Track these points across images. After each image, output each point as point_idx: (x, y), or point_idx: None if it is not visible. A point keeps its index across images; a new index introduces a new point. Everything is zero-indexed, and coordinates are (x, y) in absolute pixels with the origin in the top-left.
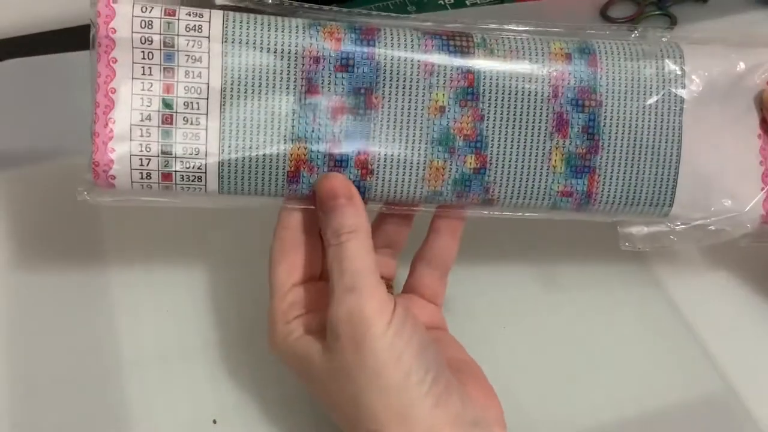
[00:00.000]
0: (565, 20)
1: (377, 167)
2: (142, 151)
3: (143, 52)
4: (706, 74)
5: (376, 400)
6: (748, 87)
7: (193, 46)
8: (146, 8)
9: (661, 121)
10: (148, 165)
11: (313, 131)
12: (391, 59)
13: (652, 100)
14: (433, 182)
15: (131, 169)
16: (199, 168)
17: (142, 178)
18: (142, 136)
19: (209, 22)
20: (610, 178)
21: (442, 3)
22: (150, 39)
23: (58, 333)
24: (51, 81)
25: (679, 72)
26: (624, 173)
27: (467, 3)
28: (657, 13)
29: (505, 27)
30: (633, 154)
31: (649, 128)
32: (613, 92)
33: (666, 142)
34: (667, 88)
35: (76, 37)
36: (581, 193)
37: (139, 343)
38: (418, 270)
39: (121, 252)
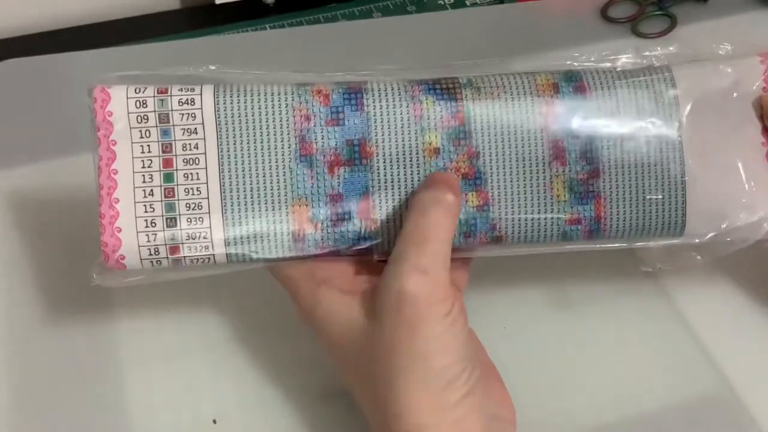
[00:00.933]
0: (565, 20)
1: (380, 216)
2: (147, 227)
3: (140, 131)
4: (699, 91)
5: (413, 383)
6: (744, 96)
7: (187, 120)
8: (140, 89)
9: (659, 143)
10: (155, 240)
11: (312, 187)
12: (380, 108)
13: (646, 122)
14: None
15: (139, 246)
16: (204, 237)
17: (150, 255)
18: (146, 212)
19: (201, 95)
20: (617, 202)
21: (442, 3)
22: (146, 117)
23: (58, 333)
24: (51, 81)
25: (671, 91)
26: (630, 196)
27: (467, 3)
28: (657, 13)
29: (495, 71)
30: (636, 176)
31: (648, 150)
32: (605, 116)
33: (668, 163)
34: (661, 109)
35: (77, 37)
36: (589, 219)
37: (140, 342)
38: None
39: None
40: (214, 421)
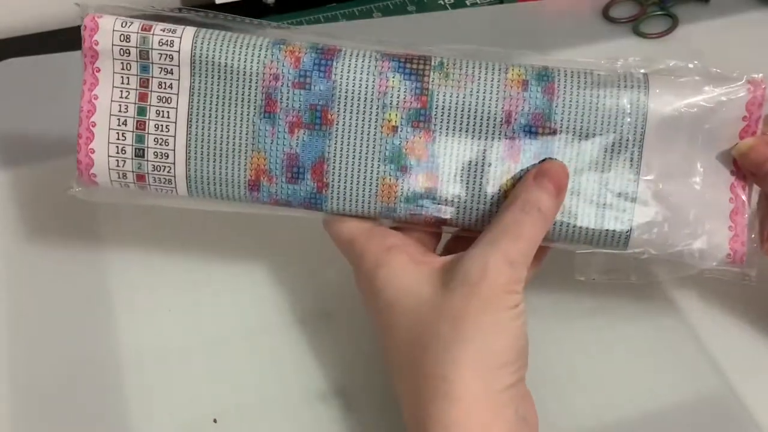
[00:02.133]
0: (566, 20)
1: (332, 181)
2: (118, 152)
3: (122, 63)
4: (673, 108)
5: (471, 353)
6: (722, 122)
7: (165, 60)
8: (126, 23)
9: (618, 153)
10: (123, 166)
11: (271, 143)
12: (347, 78)
13: (609, 132)
14: (385, 198)
15: (109, 168)
16: (168, 172)
17: (119, 178)
18: (118, 139)
19: (181, 38)
20: (567, 206)
21: (442, 3)
22: (128, 51)
23: (58, 333)
24: (51, 81)
25: (641, 104)
26: (581, 202)
27: (467, 3)
28: (659, 13)
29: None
30: (589, 182)
31: (605, 159)
32: (568, 121)
33: (623, 174)
34: (628, 120)
35: (77, 37)
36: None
37: (139, 342)
38: None
39: (120, 252)
40: (215, 421)
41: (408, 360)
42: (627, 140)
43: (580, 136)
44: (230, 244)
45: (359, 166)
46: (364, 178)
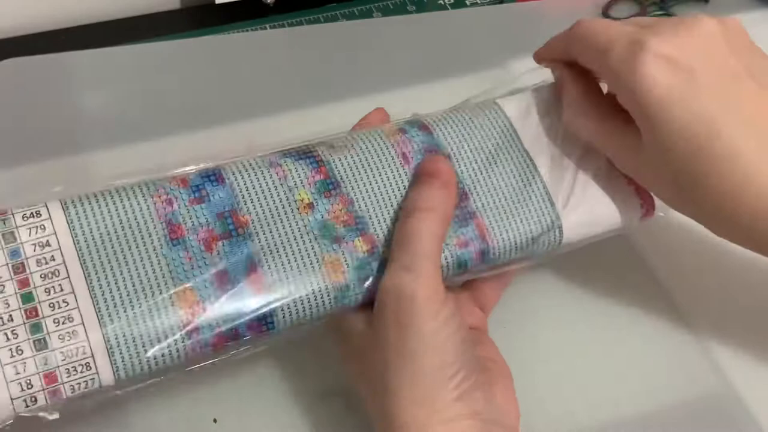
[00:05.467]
0: (565, 20)
1: (272, 280)
2: (13, 356)
3: None
4: (528, 116)
5: (405, 381)
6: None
7: (36, 233)
8: None
9: (510, 163)
10: (24, 371)
11: (192, 269)
12: (242, 177)
13: (492, 143)
14: (335, 277)
15: (7, 381)
16: (83, 353)
17: (22, 390)
18: (8, 340)
19: (46, 205)
20: (495, 218)
21: (442, 3)
22: None
23: None
24: (51, 81)
25: (504, 119)
26: (505, 211)
27: (467, 3)
28: (659, 13)
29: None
30: (504, 194)
31: (504, 171)
32: (456, 144)
33: (525, 180)
34: (502, 135)
35: (77, 37)
36: (475, 238)
37: None
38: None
39: None
40: (215, 421)
41: (363, 392)
42: (510, 151)
43: (472, 154)
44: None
45: (294, 255)
46: (305, 265)
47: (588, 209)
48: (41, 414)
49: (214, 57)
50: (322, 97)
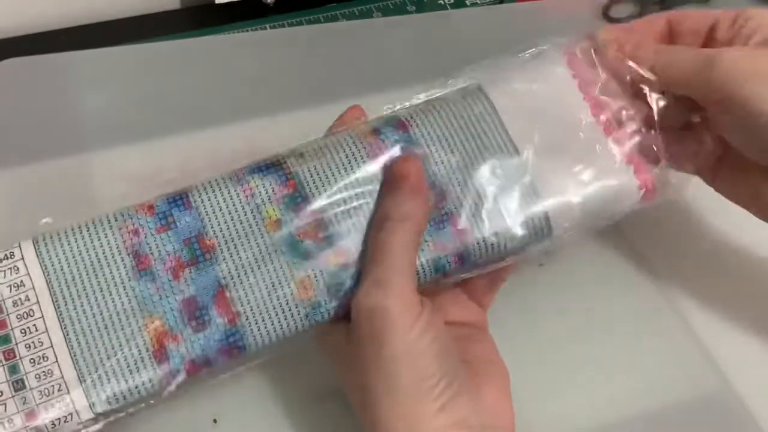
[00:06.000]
0: (565, 20)
1: (242, 306)
2: None
3: None
4: (516, 102)
5: (383, 396)
6: (556, 86)
7: (10, 275)
8: None
9: (493, 156)
10: (5, 411)
11: (160, 299)
12: (209, 200)
13: (476, 137)
14: (305, 294)
15: None
16: (60, 390)
17: (5, 430)
18: None
19: (19, 247)
20: (475, 219)
21: (442, 3)
22: None
23: None
24: (51, 81)
25: (489, 108)
26: (483, 212)
27: (467, 3)
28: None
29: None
30: (482, 192)
31: (485, 167)
32: (433, 141)
33: (512, 171)
34: (485, 126)
35: (77, 37)
36: (453, 240)
37: None
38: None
39: None
40: (215, 421)
41: (354, 405)
42: (496, 142)
43: (451, 151)
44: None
45: (262, 275)
46: (273, 284)
47: (580, 193)
48: None
49: (214, 57)
50: (321, 97)
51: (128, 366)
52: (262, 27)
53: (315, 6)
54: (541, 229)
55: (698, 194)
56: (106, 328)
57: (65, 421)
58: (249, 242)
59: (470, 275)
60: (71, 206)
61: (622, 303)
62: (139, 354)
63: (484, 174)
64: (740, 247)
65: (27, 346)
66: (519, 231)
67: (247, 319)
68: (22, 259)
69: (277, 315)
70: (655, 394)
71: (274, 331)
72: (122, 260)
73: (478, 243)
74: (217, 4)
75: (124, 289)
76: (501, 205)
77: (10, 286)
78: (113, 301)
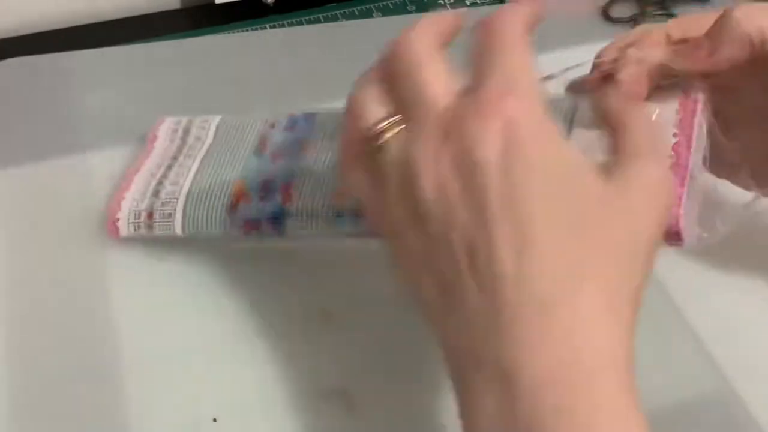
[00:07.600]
0: (565, 20)
1: (298, 194)
2: (140, 196)
3: (171, 138)
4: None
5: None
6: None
7: (199, 131)
8: (179, 121)
9: None
10: (139, 206)
11: (255, 171)
12: (328, 121)
13: None
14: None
15: (129, 210)
16: (170, 215)
17: (135, 219)
18: (145, 185)
19: (209, 120)
20: None
21: (442, 3)
22: (177, 130)
23: (58, 333)
24: (51, 81)
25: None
26: None
27: (467, 3)
28: (659, 13)
29: None
30: None
31: None
32: None
33: None
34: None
35: (77, 37)
36: None
37: (139, 342)
38: None
39: (121, 251)
40: (215, 420)
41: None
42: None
43: None
44: (230, 245)
45: (321, 182)
46: (322, 192)
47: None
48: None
49: (214, 57)
50: (322, 97)
51: (214, 205)
52: (262, 27)
53: (315, 6)
54: None
55: None
56: (217, 176)
57: (166, 230)
58: (332, 159)
59: None
60: (72, 206)
61: None
62: (222, 201)
63: None
64: (740, 246)
65: (176, 174)
66: None
67: (294, 204)
68: (211, 121)
69: (316, 202)
70: (655, 395)
71: (308, 211)
72: (253, 140)
73: None
74: (217, 4)
75: (242, 158)
76: None
77: (196, 137)
78: (231, 164)
